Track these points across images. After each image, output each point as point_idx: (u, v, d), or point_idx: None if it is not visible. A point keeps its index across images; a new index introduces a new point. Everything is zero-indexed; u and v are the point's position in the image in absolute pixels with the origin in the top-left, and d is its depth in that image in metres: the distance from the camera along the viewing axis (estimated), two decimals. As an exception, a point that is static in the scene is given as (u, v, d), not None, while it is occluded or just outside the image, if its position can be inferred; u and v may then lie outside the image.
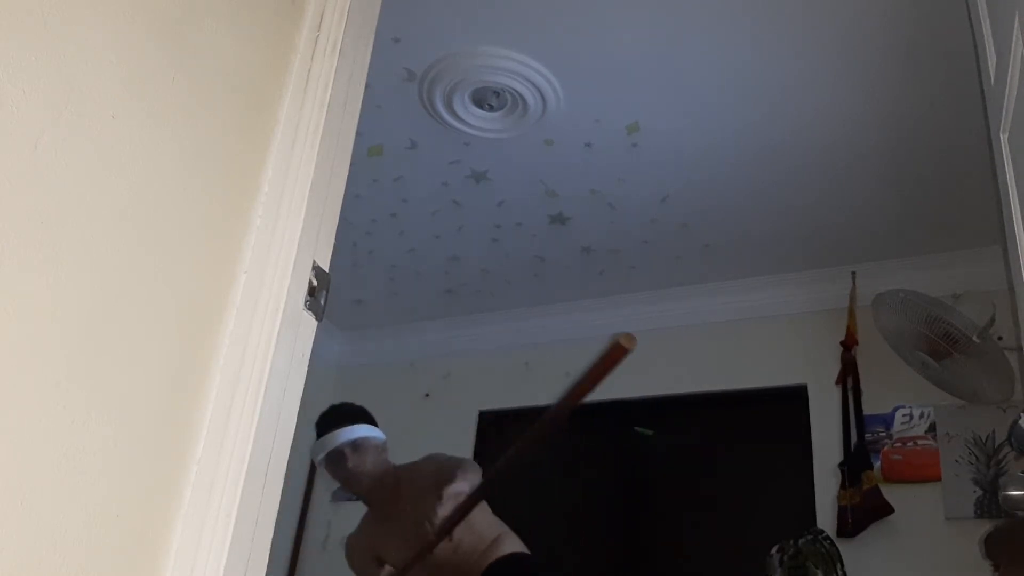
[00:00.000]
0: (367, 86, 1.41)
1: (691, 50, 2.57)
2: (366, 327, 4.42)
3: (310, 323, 1.19)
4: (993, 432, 3.08)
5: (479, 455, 3.96)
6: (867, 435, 3.27)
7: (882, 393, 3.32)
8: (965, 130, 2.71)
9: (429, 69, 2.73)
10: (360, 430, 2.52)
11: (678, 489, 3.63)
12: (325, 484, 4.25)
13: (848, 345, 3.40)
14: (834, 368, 3.42)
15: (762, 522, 3.29)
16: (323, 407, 4.10)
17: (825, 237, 3.39)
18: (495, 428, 4.05)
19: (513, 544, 2.48)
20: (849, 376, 3.37)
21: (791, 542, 2.92)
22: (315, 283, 1.20)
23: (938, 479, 3.12)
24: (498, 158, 3.12)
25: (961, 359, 2.88)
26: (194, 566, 0.98)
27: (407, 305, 4.20)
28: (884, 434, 3.29)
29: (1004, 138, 1.41)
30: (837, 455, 3.29)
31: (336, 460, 2.51)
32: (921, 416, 3.26)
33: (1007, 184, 1.38)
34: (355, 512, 4.12)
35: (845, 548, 2.98)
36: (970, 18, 1.74)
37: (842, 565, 2.91)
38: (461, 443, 4.01)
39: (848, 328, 3.41)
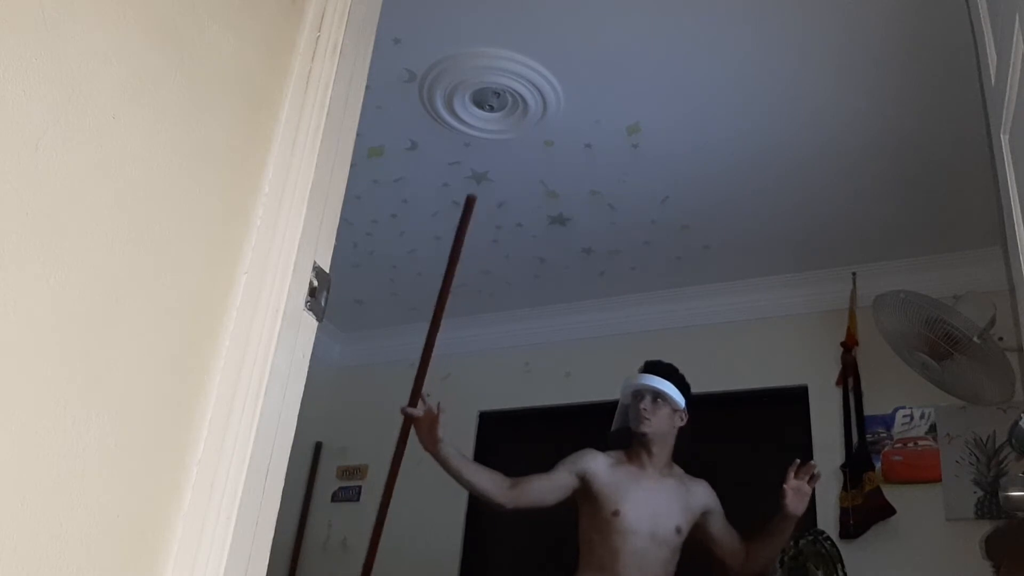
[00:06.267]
0: (367, 87, 1.41)
1: (691, 51, 2.57)
2: (366, 327, 4.42)
3: (310, 324, 1.19)
4: (994, 433, 3.08)
5: (479, 456, 3.96)
6: (868, 436, 3.27)
7: (883, 394, 3.32)
8: (965, 130, 2.71)
9: (430, 70, 2.73)
10: (665, 386, 2.66)
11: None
12: (325, 484, 4.26)
13: (849, 346, 3.40)
14: (834, 369, 3.43)
15: (762, 523, 3.28)
16: (323, 407, 4.14)
17: (825, 238, 3.40)
18: (495, 429, 4.05)
19: None
20: (850, 377, 3.37)
21: (791, 543, 2.92)
22: (315, 284, 1.20)
23: (939, 480, 3.13)
24: (498, 159, 3.12)
25: (962, 360, 2.88)
26: (194, 566, 0.98)
27: (407, 305, 4.19)
28: (885, 435, 3.28)
29: (1005, 139, 1.41)
30: (837, 456, 3.29)
31: (636, 399, 2.67)
32: (922, 417, 3.26)
33: (1007, 185, 1.38)
34: (355, 512, 4.15)
35: (845, 549, 2.98)
36: (970, 18, 1.74)
37: (843, 566, 2.91)
38: (461, 444, 3.98)
39: (848, 329, 3.41)
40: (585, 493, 2.59)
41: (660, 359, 2.77)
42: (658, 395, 2.64)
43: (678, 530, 2.57)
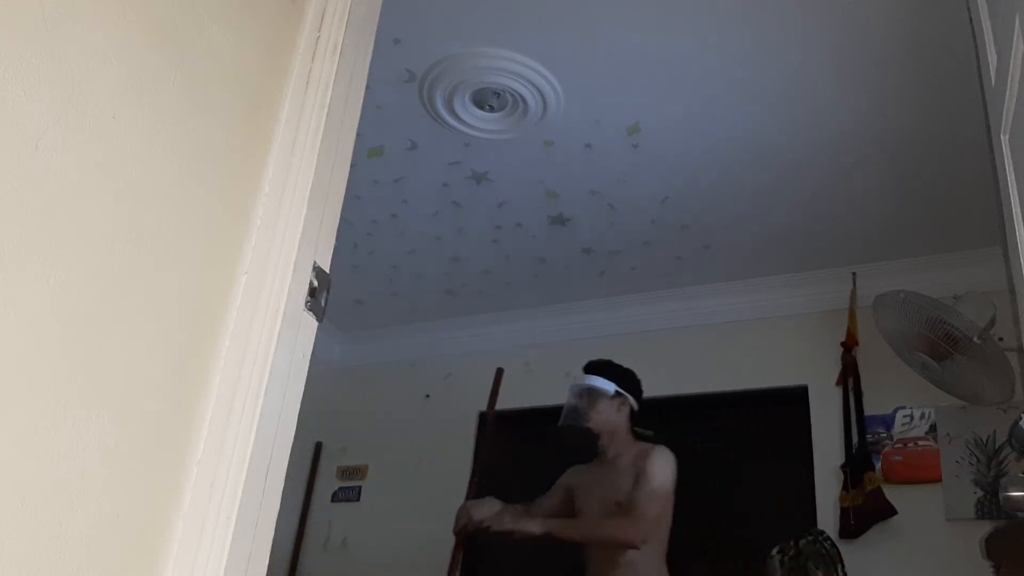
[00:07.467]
0: (367, 87, 1.41)
1: (691, 51, 2.57)
2: (366, 328, 4.42)
3: (310, 324, 1.19)
4: (994, 433, 3.08)
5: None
6: (868, 436, 3.27)
7: (883, 394, 3.31)
8: (965, 130, 2.71)
9: (430, 70, 2.73)
10: (594, 380, 2.89)
11: (678, 490, 3.63)
12: (325, 484, 4.26)
13: (849, 346, 3.40)
14: (835, 369, 3.42)
15: (763, 523, 3.29)
16: (323, 408, 4.14)
17: (825, 238, 3.40)
18: (495, 428, 4.04)
19: None
20: (850, 377, 3.37)
21: (792, 543, 2.92)
22: (315, 284, 1.20)
23: (939, 480, 3.12)
24: (498, 159, 3.12)
25: (962, 360, 2.87)
26: (194, 566, 0.98)
27: (407, 306, 4.20)
28: (885, 435, 3.28)
29: (1005, 139, 1.41)
30: (838, 456, 3.29)
31: (576, 397, 2.91)
32: (922, 417, 3.26)
33: (1007, 185, 1.38)
34: (355, 512, 4.15)
35: (846, 549, 2.98)
36: (970, 19, 1.74)
37: (843, 566, 2.90)
38: (461, 444, 4.01)
39: (848, 329, 3.41)
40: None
41: (600, 358, 2.96)
42: (591, 391, 2.86)
43: (618, 504, 2.68)
